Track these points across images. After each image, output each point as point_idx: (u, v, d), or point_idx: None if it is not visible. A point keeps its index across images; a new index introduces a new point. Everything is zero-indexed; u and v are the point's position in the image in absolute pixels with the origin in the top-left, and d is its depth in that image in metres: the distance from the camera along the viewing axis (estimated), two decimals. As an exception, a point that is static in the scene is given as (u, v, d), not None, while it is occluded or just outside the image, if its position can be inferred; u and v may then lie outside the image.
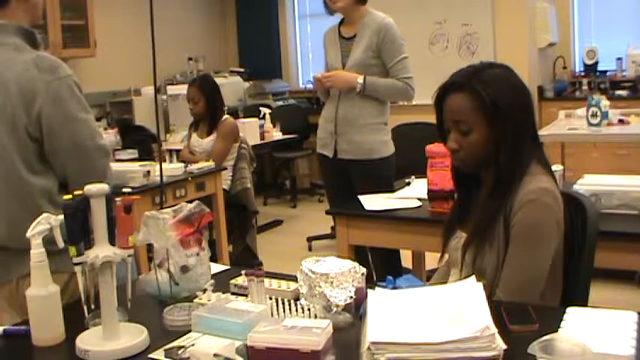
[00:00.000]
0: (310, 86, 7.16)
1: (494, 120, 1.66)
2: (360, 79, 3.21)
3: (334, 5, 3.27)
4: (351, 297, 1.45)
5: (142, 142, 4.72)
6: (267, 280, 1.63)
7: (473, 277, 1.46)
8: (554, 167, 2.45)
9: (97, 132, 1.82)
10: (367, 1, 3.31)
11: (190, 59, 7.17)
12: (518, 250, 1.64)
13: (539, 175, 1.68)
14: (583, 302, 1.73)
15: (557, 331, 1.31)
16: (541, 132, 4.08)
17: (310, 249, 5.25)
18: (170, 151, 4.40)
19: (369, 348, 1.21)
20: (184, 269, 1.64)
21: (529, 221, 1.63)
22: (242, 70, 7.46)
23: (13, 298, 1.78)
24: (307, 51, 7.90)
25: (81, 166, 1.76)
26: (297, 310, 1.56)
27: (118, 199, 1.43)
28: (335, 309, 1.43)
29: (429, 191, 2.61)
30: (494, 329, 1.20)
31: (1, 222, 1.76)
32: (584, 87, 6.36)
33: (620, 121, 4.35)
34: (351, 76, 3.23)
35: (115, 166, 3.50)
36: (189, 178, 3.94)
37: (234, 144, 4.57)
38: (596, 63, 6.42)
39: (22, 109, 1.70)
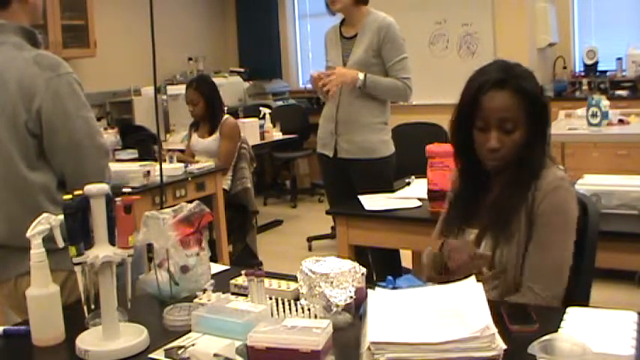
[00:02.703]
0: (310, 86, 7.16)
1: (535, 115, 1.68)
2: (361, 75, 3.20)
3: (333, 7, 3.28)
4: (351, 297, 1.45)
5: (142, 142, 4.72)
6: (267, 280, 1.63)
7: (473, 277, 1.46)
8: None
9: (97, 131, 1.82)
10: (368, 2, 3.31)
11: (190, 59, 7.18)
12: (547, 235, 1.66)
13: (552, 166, 1.72)
14: (584, 302, 1.73)
15: (557, 331, 1.31)
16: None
17: (310, 249, 5.25)
18: (170, 150, 4.40)
19: (369, 348, 1.21)
20: (184, 269, 1.64)
21: (557, 206, 1.66)
22: (242, 70, 7.46)
23: (12, 297, 1.78)
24: (307, 51, 7.90)
25: (79, 165, 1.76)
26: (297, 310, 1.56)
27: (118, 199, 1.43)
28: (335, 309, 1.43)
29: (429, 191, 2.61)
30: (494, 329, 1.21)
31: (1, 219, 1.76)
32: (584, 87, 6.36)
33: (620, 121, 4.35)
34: (352, 71, 3.23)
35: (115, 166, 3.51)
36: (189, 178, 3.94)
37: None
38: (596, 63, 6.41)
39: (23, 106, 1.70)
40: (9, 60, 1.73)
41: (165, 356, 1.36)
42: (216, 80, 5.02)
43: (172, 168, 3.92)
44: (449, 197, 1.93)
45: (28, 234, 1.45)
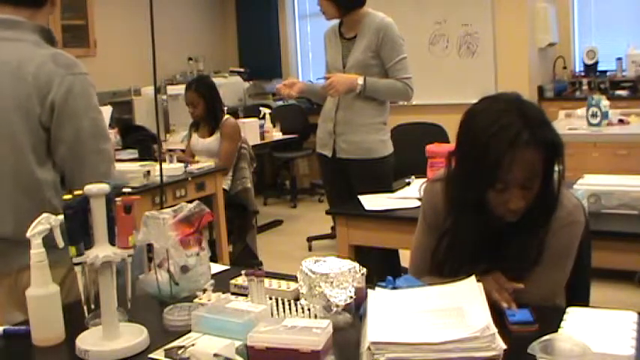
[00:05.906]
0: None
1: (553, 160, 1.55)
2: (360, 80, 3.20)
3: (325, 17, 3.33)
4: (351, 297, 1.45)
5: (142, 142, 4.72)
6: (267, 280, 1.63)
7: (473, 277, 1.46)
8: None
9: (103, 135, 1.83)
10: (360, 6, 3.28)
11: (190, 59, 7.18)
12: (551, 269, 1.61)
13: (562, 192, 1.63)
14: (584, 302, 1.73)
15: (557, 331, 1.31)
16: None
17: (310, 249, 5.25)
18: (170, 150, 4.40)
19: (369, 348, 1.21)
20: (184, 269, 1.64)
21: (567, 243, 1.62)
22: (242, 70, 7.46)
23: (12, 292, 1.78)
24: (307, 51, 7.90)
25: (79, 164, 1.76)
26: (297, 310, 1.56)
27: (118, 199, 1.43)
28: (335, 309, 1.43)
29: (429, 191, 2.61)
30: (494, 329, 1.21)
31: (8, 214, 1.76)
32: (584, 87, 6.36)
33: (620, 121, 4.36)
34: (351, 78, 3.22)
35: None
36: (189, 178, 3.94)
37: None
38: (596, 63, 6.42)
39: (37, 100, 1.73)
40: (27, 56, 1.76)
41: (165, 356, 1.36)
42: (216, 80, 5.02)
43: (172, 168, 3.92)
44: (429, 224, 1.76)
45: (28, 234, 1.45)
